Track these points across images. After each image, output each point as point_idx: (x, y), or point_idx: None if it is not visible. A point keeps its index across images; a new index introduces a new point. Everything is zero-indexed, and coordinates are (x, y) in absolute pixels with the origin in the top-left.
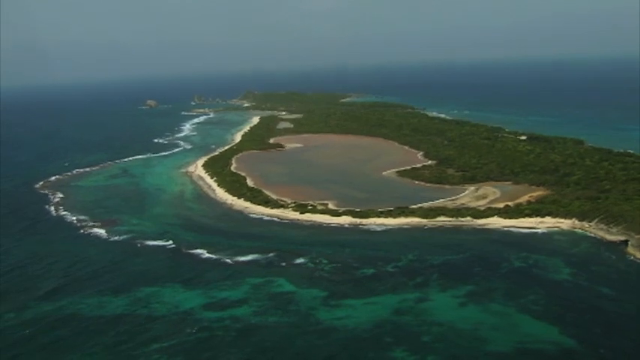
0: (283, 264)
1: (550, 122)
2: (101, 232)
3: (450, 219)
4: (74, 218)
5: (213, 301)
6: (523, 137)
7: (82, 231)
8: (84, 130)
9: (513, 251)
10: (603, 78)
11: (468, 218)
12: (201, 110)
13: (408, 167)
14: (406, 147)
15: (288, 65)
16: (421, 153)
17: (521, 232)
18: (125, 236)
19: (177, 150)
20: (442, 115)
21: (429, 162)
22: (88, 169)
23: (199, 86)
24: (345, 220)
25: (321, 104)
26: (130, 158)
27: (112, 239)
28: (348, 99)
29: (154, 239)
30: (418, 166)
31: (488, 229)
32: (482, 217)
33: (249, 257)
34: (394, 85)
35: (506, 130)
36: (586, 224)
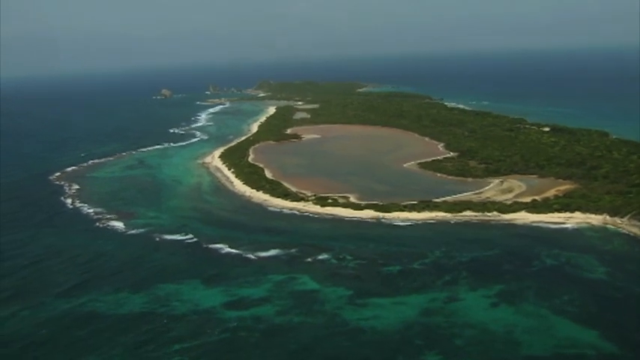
0: (306, 260)
1: (569, 114)
2: (119, 225)
3: (477, 214)
4: (91, 210)
5: (234, 299)
6: (546, 129)
7: (98, 224)
8: (98, 121)
9: (544, 248)
10: (616, 68)
11: (495, 213)
12: (217, 100)
13: (430, 159)
14: (426, 138)
15: (304, 54)
16: (442, 144)
17: (550, 228)
18: (143, 230)
19: (193, 140)
20: (461, 106)
21: (451, 154)
22: (103, 160)
23: (213, 76)
24: (368, 214)
25: (337, 94)
26: (147, 149)
27: (129, 232)
28: (364, 89)
29: (173, 233)
30: (440, 158)
31: (515, 224)
32: (509, 212)
33: (271, 252)
34: (410, 75)
35: (529, 121)
36: (618, 220)
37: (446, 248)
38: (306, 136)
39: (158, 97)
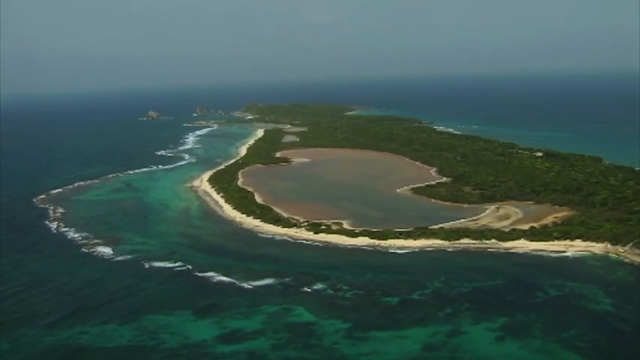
0: (301, 289)
1: (562, 138)
2: (105, 251)
3: (475, 241)
4: (77, 235)
5: (227, 332)
6: (539, 154)
7: (85, 250)
8: (85, 142)
9: (546, 278)
10: (607, 93)
11: (493, 241)
12: (204, 122)
13: (423, 184)
14: (418, 163)
15: (288, 77)
16: (434, 169)
17: (551, 257)
18: (130, 256)
19: (181, 163)
20: (450, 130)
21: (444, 179)
22: (89, 182)
23: (200, 98)
24: (363, 241)
25: (326, 117)
26: (134, 171)
27: (117, 259)
28: (352, 112)
29: (162, 260)
30: (433, 183)
31: (515, 252)
32: (508, 240)
33: (264, 282)
34: (398, 99)
35: (520, 146)
36: (620, 248)
37: (445, 277)
38: (296, 160)
39: (145, 119)
